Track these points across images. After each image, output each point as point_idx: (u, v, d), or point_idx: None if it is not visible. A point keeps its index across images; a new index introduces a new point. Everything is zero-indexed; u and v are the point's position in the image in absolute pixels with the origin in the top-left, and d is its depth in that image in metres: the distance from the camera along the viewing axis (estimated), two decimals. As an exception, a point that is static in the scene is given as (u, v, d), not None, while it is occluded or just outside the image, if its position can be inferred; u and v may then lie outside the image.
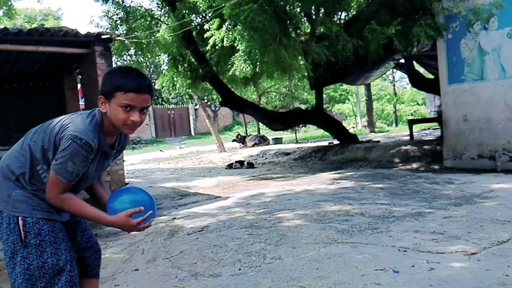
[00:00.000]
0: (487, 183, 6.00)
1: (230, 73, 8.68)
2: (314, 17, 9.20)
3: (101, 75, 7.05)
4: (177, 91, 13.05)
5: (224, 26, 7.86)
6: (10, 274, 1.75)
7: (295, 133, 19.66)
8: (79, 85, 9.25)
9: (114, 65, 10.02)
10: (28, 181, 1.75)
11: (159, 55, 12.38)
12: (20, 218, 1.72)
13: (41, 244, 1.72)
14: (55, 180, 1.68)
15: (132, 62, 11.51)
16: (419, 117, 24.24)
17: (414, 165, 8.51)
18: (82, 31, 6.74)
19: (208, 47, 8.25)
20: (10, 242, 1.73)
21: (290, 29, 8.41)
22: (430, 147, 9.23)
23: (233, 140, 19.09)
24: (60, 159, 1.65)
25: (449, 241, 3.48)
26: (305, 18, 9.80)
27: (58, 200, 1.71)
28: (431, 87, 11.56)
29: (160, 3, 10.78)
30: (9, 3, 17.14)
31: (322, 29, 8.93)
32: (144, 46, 10.20)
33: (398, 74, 31.23)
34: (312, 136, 21.78)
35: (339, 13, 9.59)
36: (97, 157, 1.78)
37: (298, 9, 8.92)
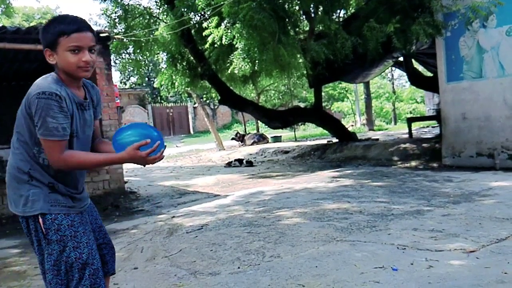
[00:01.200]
0: (486, 181, 6.01)
1: (229, 71, 8.68)
2: (313, 15, 9.19)
3: (99, 73, 7.04)
4: (176, 90, 13.03)
5: (222, 24, 7.85)
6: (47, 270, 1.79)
7: (294, 131, 19.66)
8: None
9: (112, 64, 10.01)
10: (40, 170, 1.76)
11: (158, 53, 12.36)
12: (39, 216, 1.74)
13: (63, 239, 1.74)
14: (48, 144, 1.68)
15: (130, 61, 11.49)
16: (418, 115, 24.24)
17: (413, 163, 8.51)
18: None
19: (207, 45, 8.23)
20: (37, 242, 1.77)
21: (289, 27, 8.40)
22: (429, 145, 9.23)
23: (232, 139, 19.08)
24: (39, 122, 1.65)
25: (448, 239, 3.48)
26: (304, 16, 9.79)
27: (63, 161, 1.70)
28: (430, 85, 11.56)
29: (158, 1, 10.77)
30: (7, 2, 17.11)
31: (321, 27, 8.92)
32: (143, 44, 10.19)
33: (397, 72, 31.25)
34: (311, 134, 21.79)
35: (338, 11, 9.58)
36: (74, 110, 1.77)
37: (297, 7, 8.91)
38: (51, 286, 1.74)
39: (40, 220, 1.74)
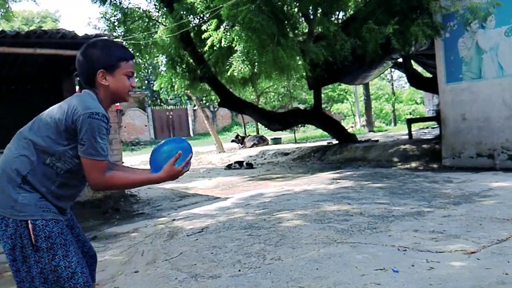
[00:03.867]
0: (486, 181, 6.01)
1: (228, 73, 8.69)
2: (311, 17, 9.21)
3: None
4: (176, 92, 13.07)
5: (222, 26, 7.86)
6: (24, 278, 1.73)
7: (294, 133, 19.66)
8: (77, 87, 9.23)
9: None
10: (41, 177, 1.71)
11: (157, 56, 12.39)
12: (29, 221, 1.67)
13: (52, 247, 1.69)
14: (92, 164, 1.68)
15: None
16: (418, 116, 24.26)
17: (413, 164, 8.51)
18: (80, 33, 6.73)
19: (206, 48, 8.24)
20: (19, 248, 1.69)
21: (288, 29, 8.41)
22: (428, 146, 9.23)
23: (232, 141, 19.09)
24: (87, 141, 1.66)
25: (448, 240, 3.48)
26: (302, 18, 9.80)
27: (105, 181, 1.71)
28: (429, 86, 11.57)
29: (157, 4, 10.79)
30: (7, 5, 17.14)
31: (320, 29, 8.93)
32: (142, 47, 10.20)
33: (396, 73, 31.32)
34: (311, 136, 21.80)
35: (337, 12, 9.60)
36: None
37: (296, 9, 8.92)
38: None
39: (30, 226, 1.66)
